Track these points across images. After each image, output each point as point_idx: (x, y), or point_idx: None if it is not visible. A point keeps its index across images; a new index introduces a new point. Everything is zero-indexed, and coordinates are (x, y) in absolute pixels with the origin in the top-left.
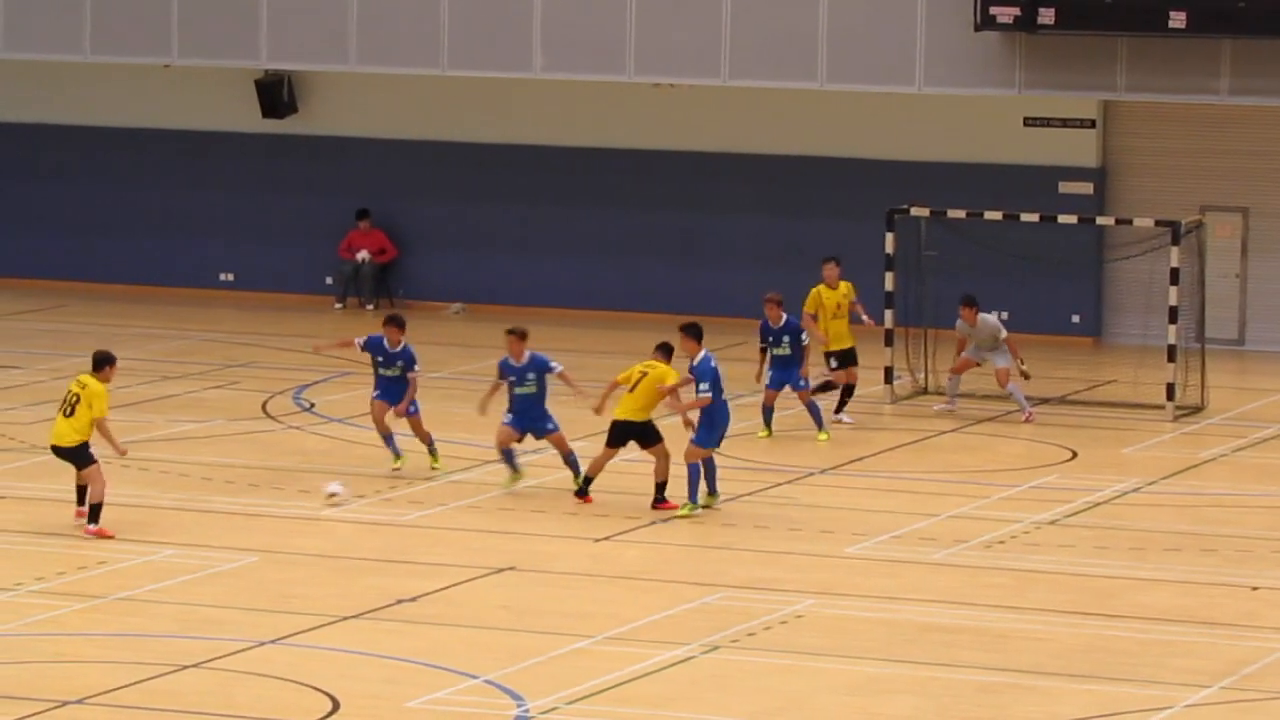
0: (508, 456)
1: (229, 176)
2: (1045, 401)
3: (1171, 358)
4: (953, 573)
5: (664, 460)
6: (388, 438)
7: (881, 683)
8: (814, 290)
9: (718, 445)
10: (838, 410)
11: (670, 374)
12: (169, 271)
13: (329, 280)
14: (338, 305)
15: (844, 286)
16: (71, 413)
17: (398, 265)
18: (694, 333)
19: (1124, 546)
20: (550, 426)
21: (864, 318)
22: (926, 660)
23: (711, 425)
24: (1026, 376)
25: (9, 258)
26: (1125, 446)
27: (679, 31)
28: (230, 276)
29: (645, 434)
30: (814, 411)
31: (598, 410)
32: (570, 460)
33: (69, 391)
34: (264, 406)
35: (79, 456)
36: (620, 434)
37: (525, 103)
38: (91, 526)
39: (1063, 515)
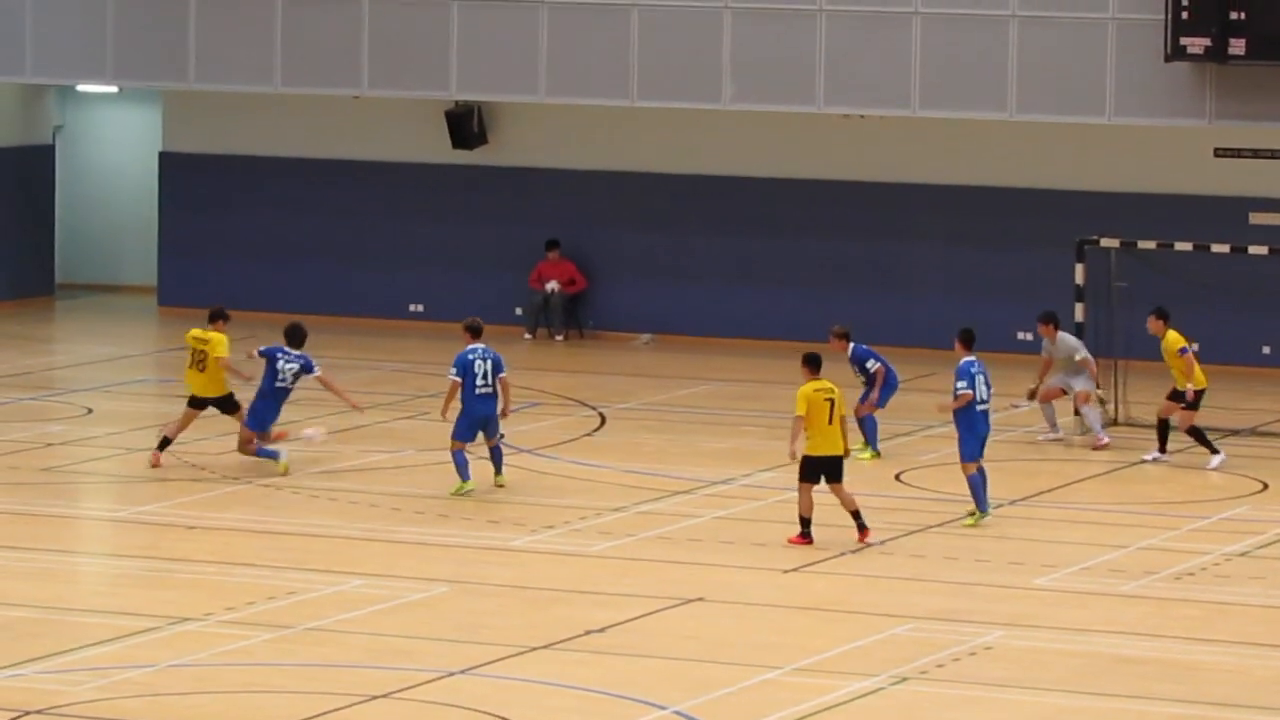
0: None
1: (418, 207)
2: (1236, 433)
3: None
4: (1143, 604)
5: (846, 491)
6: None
7: (1071, 715)
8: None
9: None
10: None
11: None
12: (359, 302)
13: (518, 311)
14: (527, 336)
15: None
16: (204, 367)
17: (586, 296)
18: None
19: None
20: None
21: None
22: (1116, 692)
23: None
24: (1103, 403)
25: (200, 288)
26: None
27: (869, 62)
28: (420, 307)
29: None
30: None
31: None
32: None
33: (192, 349)
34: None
35: (227, 404)
36: (816, 469)
37: (713, 133)
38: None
39: (1253, 547)
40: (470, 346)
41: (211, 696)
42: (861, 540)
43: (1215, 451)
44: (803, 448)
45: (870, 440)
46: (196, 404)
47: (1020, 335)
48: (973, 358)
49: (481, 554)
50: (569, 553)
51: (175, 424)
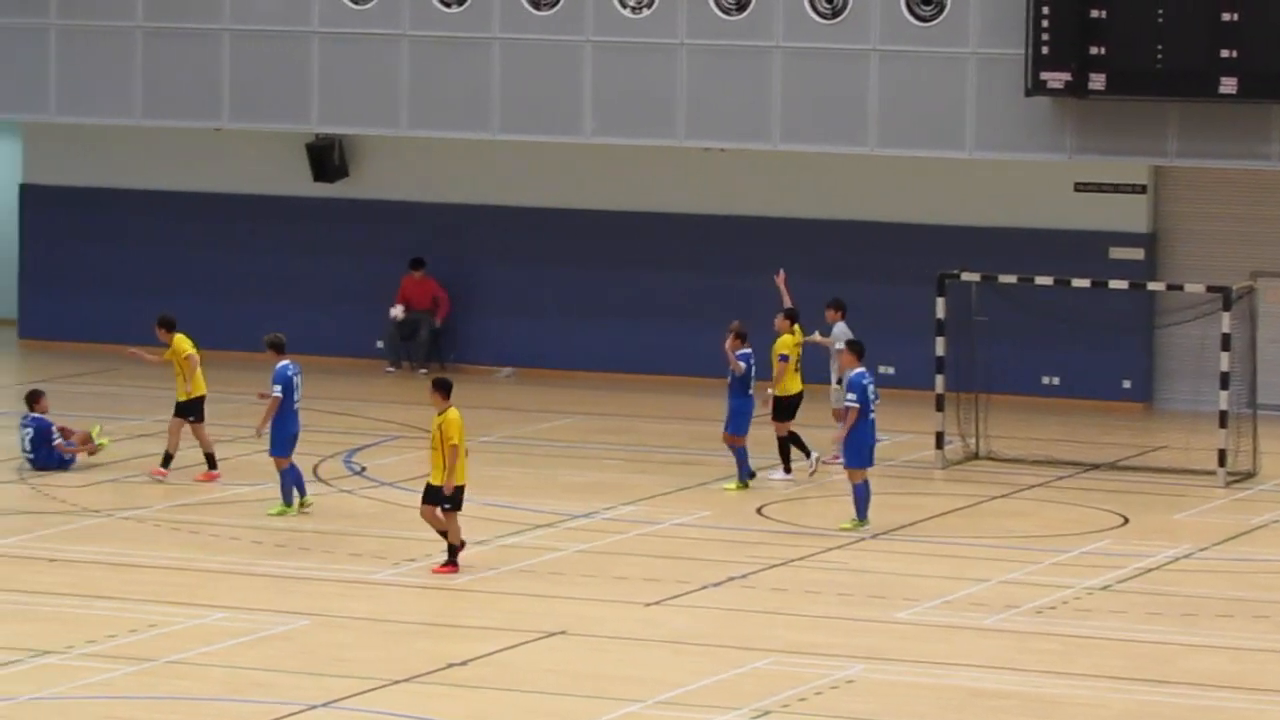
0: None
1: (280, 240)
2: (1096, 467)
3: (1223, 424)
4: (1003, 638)
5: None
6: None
7: None
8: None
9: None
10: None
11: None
12: (215, 335)
13: (379, 344)
14: (390, 369)
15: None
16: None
17: (448, 327)
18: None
19: (1175, 613)
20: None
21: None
22: None
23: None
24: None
25: (56, 319)
26: (1177, 512)
27: (730, 96)
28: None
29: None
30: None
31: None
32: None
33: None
34: (315, 470)
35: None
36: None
37: (575, 167)
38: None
39: (1114, 581)
40: (285, 363)
41: None
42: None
43: (788, 470)
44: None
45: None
46: (185, 414)
47: (883, 369)
48: (863, 369)
49: (342, 587)
50: (430, 586)
51: (173, 439)
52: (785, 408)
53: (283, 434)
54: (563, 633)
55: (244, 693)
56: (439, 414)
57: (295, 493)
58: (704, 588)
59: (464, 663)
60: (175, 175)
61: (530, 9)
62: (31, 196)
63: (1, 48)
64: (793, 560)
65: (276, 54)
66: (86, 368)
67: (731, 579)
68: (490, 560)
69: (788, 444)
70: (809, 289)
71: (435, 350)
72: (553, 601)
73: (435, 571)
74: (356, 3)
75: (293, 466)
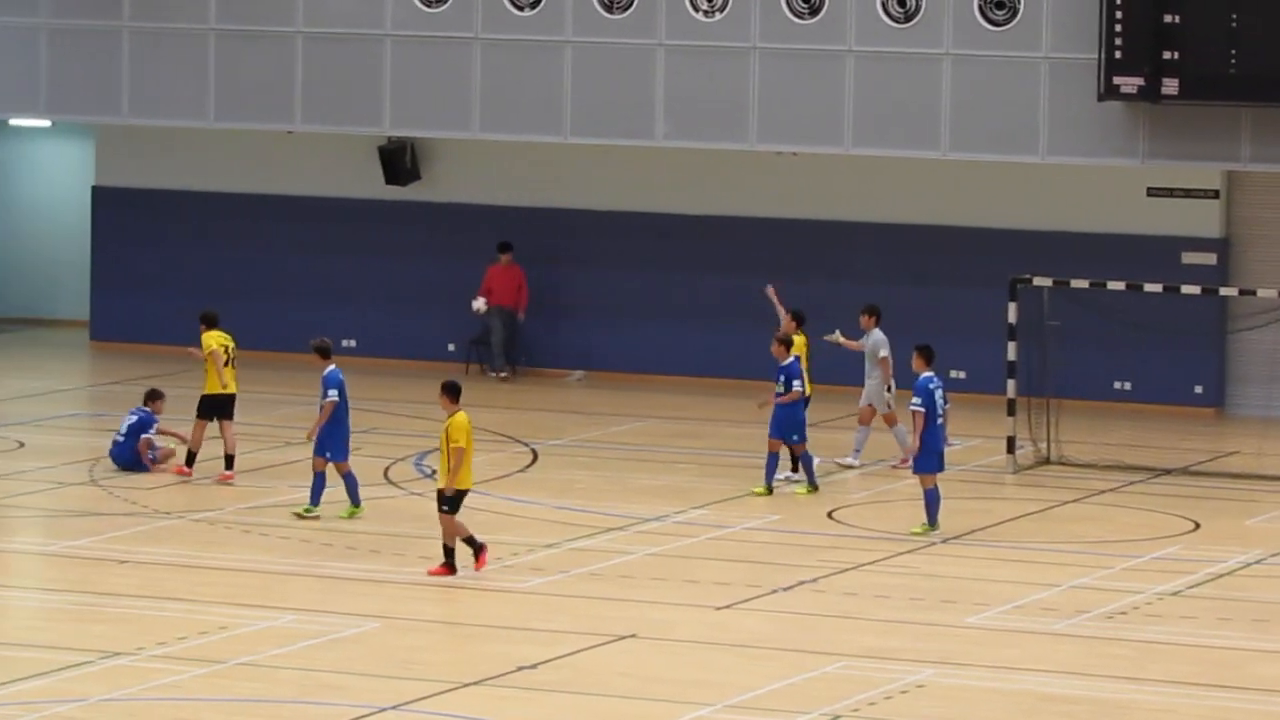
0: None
1: (351, 242)
2: (1168, 472)
3: None
4: (1074, 643)
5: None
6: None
7: None
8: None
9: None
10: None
11: None
12: (291, 337)
13: (451, 347)
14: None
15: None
16: (233, 365)
17: (522, 332)
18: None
19: (1246, 618)
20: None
21: None
22: None
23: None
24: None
25: (127, 321)
26: (1248, 518)
27: (802, 100)
28: (352, 342)
29: None
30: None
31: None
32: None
33: (225, 348)
34: (386, 473)
35: (233, 406)
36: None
37: (646, 170)
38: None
39: (1185, 586)
40: (333, 367)
41: None
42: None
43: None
44: (455, 480)
45: (809, 476)
46: (210, 413)
47: (954, 374)
48: (931, 373)
49: (413, 590)
50: (501, 589)
51: (196, 438)
52: None
53: (340, 438)
54: (633, 636)
55: (315, 695)
56: (448, 417)
57: (345, 494)
58: (774, 592)
59: (534, 666)
60: (247, 178)
61: (603, 12)
62: (103, 199)
63: (75, 50)
64: (863, 564)
65: (349, 57)
66: (157, 370)
67: (802, 583)
68: (561, 563)
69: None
70: (880, 294)
71: (514, 351)
72: (623, 605)
73: (431, 573)
74: (429, 5)
75: (350, 472)
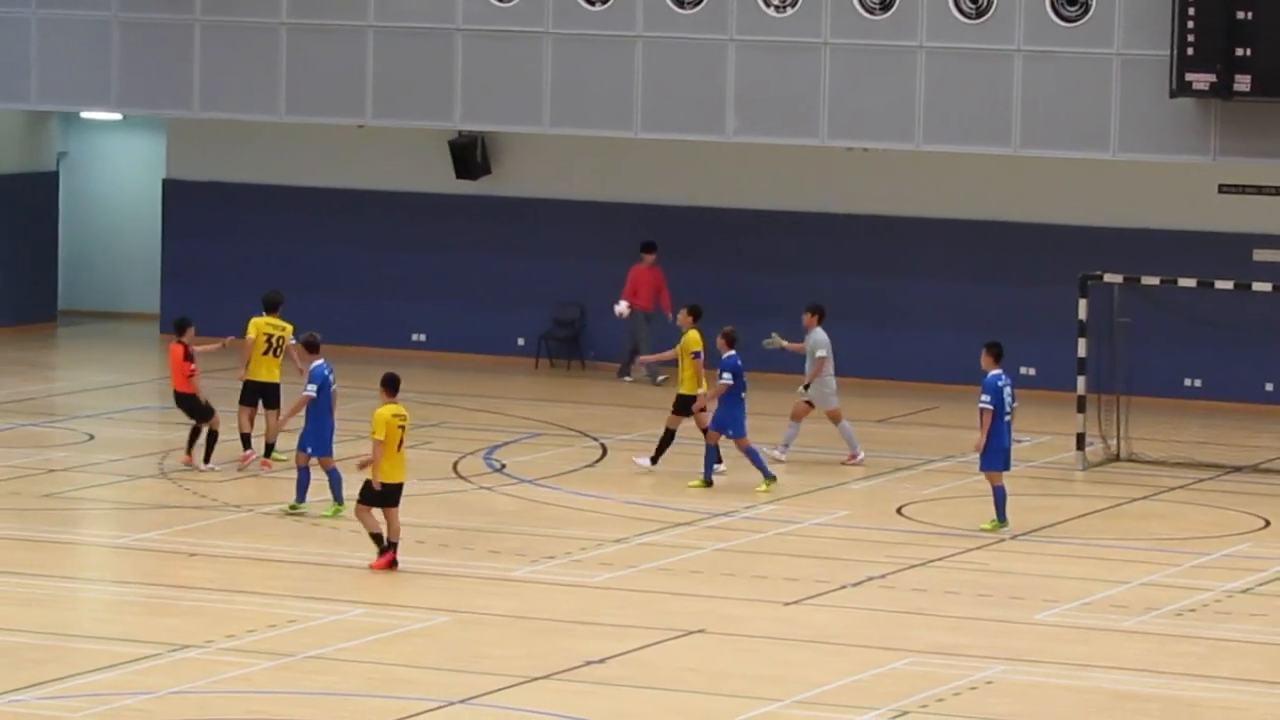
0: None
1: (421, 237)
2: (1238, 470)
3: None
4: (1144, 640)
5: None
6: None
7: None
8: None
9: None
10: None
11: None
12: (361, 331)
13: (520, 341)
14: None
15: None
16: (279, 353)
17: (588, 328)
18: None
19: None
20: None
21: None
22: None
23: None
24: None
25: (197, 314)
26: None
27: (873, 95)
28: (422, 337)
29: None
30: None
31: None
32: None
33: (268, 336)
34: (455, 467)
35: (275, 394)
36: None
37: (716, 166)
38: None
39: (1255, 584)
40: (320, 362)
41: None
42: (381, 564)
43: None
44: (378, 473)
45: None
46: (250, 399)
47: (1024, 370)
48: (999, 371)
49: (482, 584)
50: (570, 583)
51: (245, 420)
52: (685, 404)
53: (323, 433)
54: (701, 631)
55: (384, 688)
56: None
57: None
58: (843, 587)
59: (602, 660)
60: (317, 171)
61: (674, 7)
62: (174, 192)
63: (146, 44)
64: (932, 561)
65: (420, 51)
66: (227, 363)
67: (870, 579)
68: (629, 558)
69: (671, 438)
70: (947, 290)
71: (576, 348)
72: (691, 600)
73: (374, 567)
74: (501, 0)
75: (334, 469)
